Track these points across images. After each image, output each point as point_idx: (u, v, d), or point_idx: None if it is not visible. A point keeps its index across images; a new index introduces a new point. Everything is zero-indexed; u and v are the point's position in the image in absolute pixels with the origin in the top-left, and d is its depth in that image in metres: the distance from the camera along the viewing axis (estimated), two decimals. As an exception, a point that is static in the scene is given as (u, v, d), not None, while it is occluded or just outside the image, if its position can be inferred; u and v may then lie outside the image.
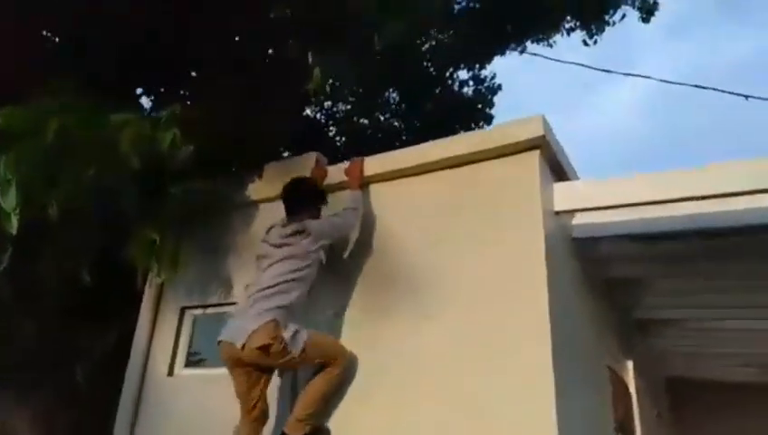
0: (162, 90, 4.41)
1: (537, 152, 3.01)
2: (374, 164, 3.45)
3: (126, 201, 3.43)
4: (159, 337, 3.96)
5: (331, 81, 3.62)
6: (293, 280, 2.92)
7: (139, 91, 4.73)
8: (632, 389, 4.87)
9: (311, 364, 2.96)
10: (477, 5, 7.56)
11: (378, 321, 3.11)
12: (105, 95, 3.59)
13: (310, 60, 3.74)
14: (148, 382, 3.88)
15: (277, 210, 3.76)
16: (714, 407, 7.26)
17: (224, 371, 3.04)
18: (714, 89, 7.56)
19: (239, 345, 2.78)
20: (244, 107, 3.87)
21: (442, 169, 3.24)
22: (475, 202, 3.09)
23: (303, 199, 3.26)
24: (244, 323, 2.82)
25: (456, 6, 7.93)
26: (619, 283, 4.43)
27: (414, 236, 3.20)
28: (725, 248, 3.54)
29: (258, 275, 3.03)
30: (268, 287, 2.89)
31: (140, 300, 4.10)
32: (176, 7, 3.81)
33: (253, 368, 2.89)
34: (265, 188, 3.88)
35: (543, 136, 2.97)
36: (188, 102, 3.59)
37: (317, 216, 3.24)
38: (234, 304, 3.67)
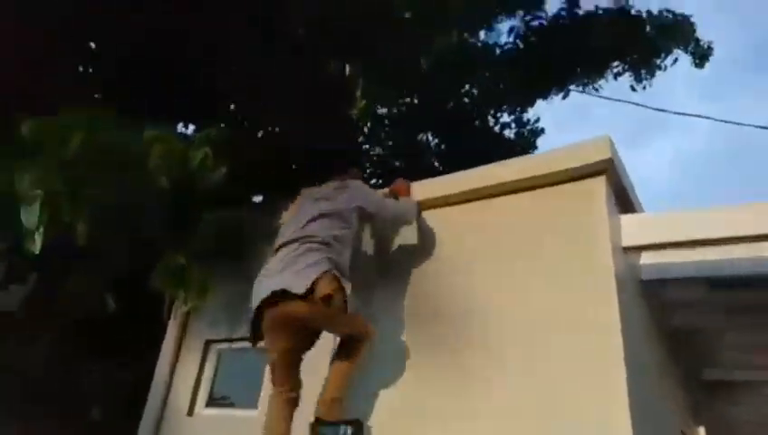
0: (200, 117, 4.28)
1: (603, 178, 2.69)
2: (422, 189, 3.17)
3: (153, 222, 3.25)
4: (182, 372, 3.68)
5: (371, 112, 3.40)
6: (338, 238, 2.65)
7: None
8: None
9: (340, 332, 2.67)
10: (521, 46, 7.40)
11: (430, 355, 2.76)
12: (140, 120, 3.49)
13: (358, 86, 3.55)
14: (166, 422, 3.58)
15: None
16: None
17: (249, 413, 2.70)
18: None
19: (300, 292, 2.41)
20: (284, 131, 3.69)
21: (496, 195, 2.94)
22: (536, 234, 2.76)
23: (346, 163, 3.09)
24: (301, 272, 2.47)
25: (499, 49, 7.83)
26: (689, 334, 3.96)
27: (468, 267, 2.88)
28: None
29: (294, 229, 2.72)
30: (315, 240, 2.60)
31: (164, 331, 3.86)
32: (214, 35, 3.72)
33: (300, 328, 2.56)
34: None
35: (611, 159, 2.65)
36: (224, 126, 3.39)
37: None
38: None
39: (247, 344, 3.47)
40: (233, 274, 3.69)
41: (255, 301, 2.62)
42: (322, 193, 2.90)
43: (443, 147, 7.94)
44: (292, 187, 3.70)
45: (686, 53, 7.70)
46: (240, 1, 3.55)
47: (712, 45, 7.70)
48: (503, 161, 3.03)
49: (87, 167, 2.92)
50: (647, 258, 3.08)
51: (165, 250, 3.30)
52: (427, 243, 3.07)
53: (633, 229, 2.93)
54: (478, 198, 2.99)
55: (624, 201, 2.92)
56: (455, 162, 8.17)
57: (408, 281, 3.02)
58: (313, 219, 2.71)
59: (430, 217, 3.13)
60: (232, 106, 4.45)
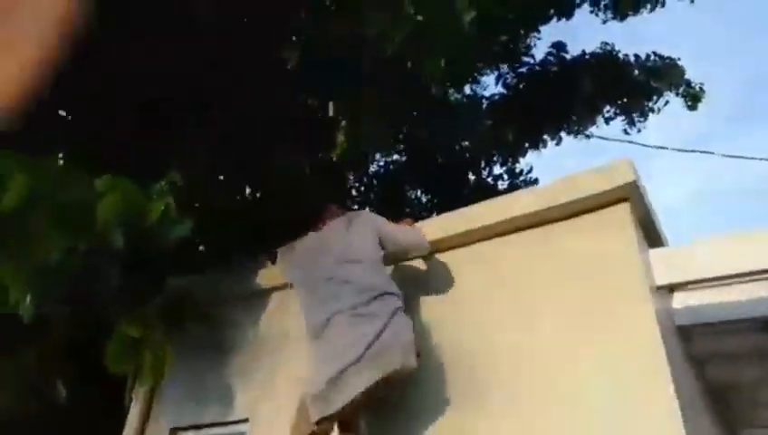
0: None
1: (627, 205, 2.28)
2: (431, 228, 2.74)
3: (105, 288, 2.77)
4: (143, 468, 3.10)
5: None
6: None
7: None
8: None
9: None
10: (510, 93, 7.21)
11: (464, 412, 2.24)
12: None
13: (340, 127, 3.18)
14: None
15: (291, 298, 3.09)
16: None
17: None
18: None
19: None
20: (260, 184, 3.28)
21: (506, 232, 2.52)
22: (558, 272, 2.32)
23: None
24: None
25: (486, 101, 7.64)
26: (725, 388, 3.44)
27: (489, 310, 2.41)
28: None
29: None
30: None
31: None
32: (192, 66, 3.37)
33: None
34: (279, 274, 3.20)
35: (635, 183, 2.25)
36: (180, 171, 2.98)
37: None
38: (239, 422, 2.87)
39: (219, 431, 2.97)
40: (202, 345, 3.21)
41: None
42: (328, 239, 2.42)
43: (435, 201, 7.58)
44: (265, 243, 3.28)
45: (677, 95, 7.55)
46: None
47: (703, 87, 7.57)
48: (518, 192, 2.64)
49: (29, 224, 2.49)
50: (679, 299, 2.65)
51: (118, 319, 2.81)
52: (438, 285, 2.61)
53: (662, 265, 2.51)
54: (492, 236, 2.57)
55: (650, 232, 2.50)
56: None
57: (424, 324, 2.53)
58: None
59: (439, 256, 2.69)
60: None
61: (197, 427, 3.02)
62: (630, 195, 2.30)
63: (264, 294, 3.20)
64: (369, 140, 2.78)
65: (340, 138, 2.90)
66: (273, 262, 3.31)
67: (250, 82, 2.93)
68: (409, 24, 2.36)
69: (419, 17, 2.48)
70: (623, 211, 2.29)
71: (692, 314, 2.66)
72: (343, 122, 2.72)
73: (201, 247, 3.04)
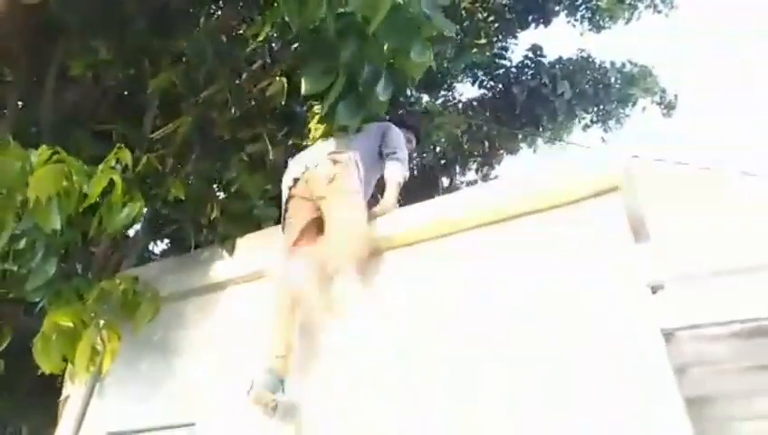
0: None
1: (617, 195, 2.12)
2: (389, 224, 2.54)
3: (37, 274, 2.48)
4: (75, 478, 2.79)
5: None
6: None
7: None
8: None
9: None
10: (489, 95, 7.09)
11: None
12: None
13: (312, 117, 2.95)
14: None
15: (251, 293, 2.84)
16: None
17: None
18: None
19: None
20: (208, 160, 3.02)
21: (476, 226, 2.34)
22: (548, 263, 2.14)
23: None
24: None
25: (462, 105, 7.51)
26: (705, 399, 3.30)
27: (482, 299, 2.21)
28: None
29: None
30: None
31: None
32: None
33: None
34: (236, 265, 2.95)
35: (626, 173, 2.10)
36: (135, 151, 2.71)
37: None
38: (183, 426, 2.60)
39: (162, 433, 2.69)
40: (146, 342, 2.93)
41: None
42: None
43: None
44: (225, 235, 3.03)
45: (653, 102, 7.55)
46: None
47: (677, 96, 7.59)
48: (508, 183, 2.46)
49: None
50: (661, 300, 2.50)
51: (49, 308, 2.52)
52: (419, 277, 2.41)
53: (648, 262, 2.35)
54: (453, 232, 2.39)
55: (637, 226, 2.34)
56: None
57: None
58: None
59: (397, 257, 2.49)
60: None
61: (137, 432, 2.73)
62: (621, 185, 2.14)
63: (218, 288, 2.93)
64: (344, 122, 2.55)
65: (313, 129, 2.69)
66: (231, 253, 3.08)
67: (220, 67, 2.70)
68: (385, 3, 2.18)
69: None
70: (614, 201, 2.13)
71: (674, 316, 2.51)
72: (317, 116, 2.52)
73: (153, 236, 2.74)
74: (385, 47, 2.48)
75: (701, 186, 2.73)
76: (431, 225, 2.45)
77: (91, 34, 2.80)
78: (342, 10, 2.45)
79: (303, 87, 2.45)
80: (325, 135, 2.81)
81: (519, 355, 2.00)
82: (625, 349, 1.93)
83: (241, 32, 3.02)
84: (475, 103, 7.44)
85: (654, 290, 2.49)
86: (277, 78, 2.70)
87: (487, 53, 6.78)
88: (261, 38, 2.54)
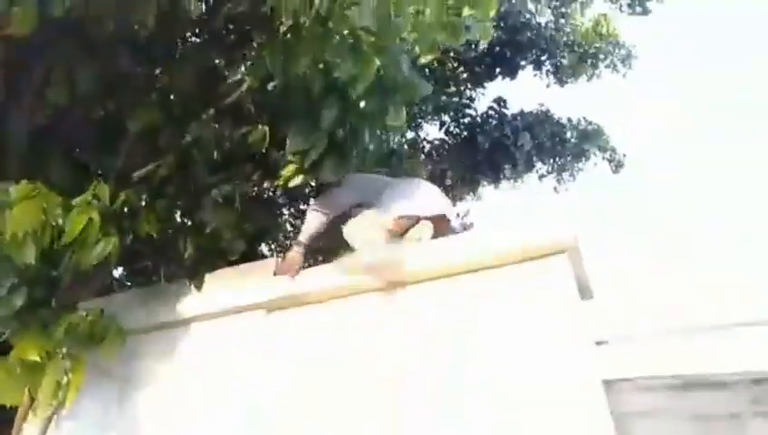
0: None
1: (566, 257, 2.34)
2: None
3: (5, 305, 2.51)
4: None
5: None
6: None
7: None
8: None
9: None
10: (450, 141, 7.38)
11: None
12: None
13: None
14: None
15: (218, 330, 2.92)
16: None
17: None
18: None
19: None
20: (183, 200, 3.11)
21: (438, 278, 2.51)
22: (481, 321, 2.32)
23: None
24: None
25: (428, 145, 7.77)
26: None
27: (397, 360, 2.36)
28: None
29: None
30: None
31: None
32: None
33: None
34: (205, 302, 3.02)
35: (575, 237, 2.33)
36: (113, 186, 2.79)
37: None
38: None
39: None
40: (102, 377, 2.95)
41: None
42: None
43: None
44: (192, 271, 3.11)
45: (603, 159, 7.99)
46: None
47: (626, 155, 8.07)
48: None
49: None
50: (603, 353, 2.71)
51: (16, 342, 2.54)
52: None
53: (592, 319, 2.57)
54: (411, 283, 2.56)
55: (582, 285, 2.57)
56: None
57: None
58: None
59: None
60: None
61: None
62: (569, 247, 2.35)
63: (183, 324, 3.00)
64: (324, 176, 2.73)
65: (287, 171, 2.82)
66: (199, 289, 3.15)
67: (194, 109, 2.83)
68: (372, 70, 2.39)
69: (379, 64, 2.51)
70: (563, 262, 2.34)
71: (615, 368, 2.72)
72: (292, 165, 2.66)
73: (120, 268, 2.80)
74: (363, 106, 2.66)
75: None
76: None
77: (73, 64, 2.87)
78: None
79: (288, 145, 2.61)
80: (298, 183, 2.94)
81: (466, 401, 2.16)
82: (568, 398, 2.11)
83: (225, 74, 3.14)
84: (438, 144, 7.73)
85: (598, 344, 2.72)
86: (259, 126, 2.84)
87: (455, 100, 7.10)
88: (245, 88, 2.69)
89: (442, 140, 7.43)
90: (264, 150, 2.90)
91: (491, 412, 2.14)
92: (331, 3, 2.47)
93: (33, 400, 2.69)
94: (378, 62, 2.44)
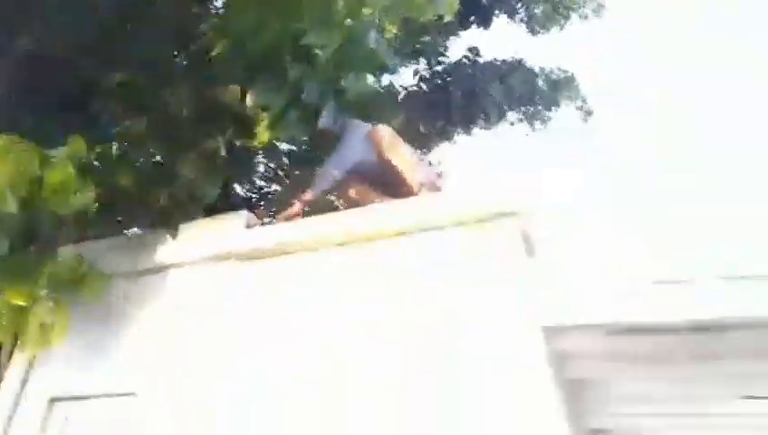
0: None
1: (515, 220, 2.57)
2: (313, 227, 2.90)
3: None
4: (18, 436, 3.01)
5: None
6: None
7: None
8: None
9: None
10: (424, 89, 7.46)
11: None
12: None
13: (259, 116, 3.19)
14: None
15: (193, 277, 3.11)
16: None
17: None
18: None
19: None
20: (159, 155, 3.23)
21: (398, 234, 2.73)
22: (439, 276, 2.58)
23: None
24: None
25: (404, 91, 7.83)
26: (585, 383, 3.92)
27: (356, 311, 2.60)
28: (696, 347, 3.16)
29: None
30: None
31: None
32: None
33: None
34: (180, 251, 3.21)
35: (523, 202, 2.55)
36: (91, 141, 2.89)
37: None
38: (124, 395, 2.87)
39: (103, 403, 2.95)
40: (92, 316, 3.15)
41: None
42: None
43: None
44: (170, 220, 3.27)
45: (575, 108, 8.18)
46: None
47: (594, 104, 8.27)
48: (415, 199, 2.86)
49: None
50: (546, 301, 3.00)
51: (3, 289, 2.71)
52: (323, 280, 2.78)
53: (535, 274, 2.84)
54: (377, 238, 2.77)
55: (529, 243, 2.82)
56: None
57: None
58: None
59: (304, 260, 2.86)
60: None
61: (79, 398, 2.98)
62: (518, 210, 2.58)
63: (161, 271, 3.19)
64: (289, 131, 2.87)
65: (261, 133, 2.95)
66: (174, 237, 3.32)
67: (169, 68, 2.90)
68: (342, 35, 2.49)
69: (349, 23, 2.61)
70: (511, 223, 2.57)
71: (558, 315, 3.02)
72: (264, 114, 2.78)
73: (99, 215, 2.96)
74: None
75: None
76: (335, 235, 2.82)
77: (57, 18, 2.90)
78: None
79: (251, 99, 2.73)
80: (271, 139, 3.09)
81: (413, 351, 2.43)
82: (509, 342, 2.38)
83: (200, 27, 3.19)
84: (413, 89, 7.79)
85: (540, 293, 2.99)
86: (231, 86, 2.94)
87: (428, 47, 7.13)
88: (216, 52, 2.77)
89: (417, 88, 7.50)
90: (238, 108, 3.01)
91: (436, 364, 2.40)
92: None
93: (16, 341, 2.90)
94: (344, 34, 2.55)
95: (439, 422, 2.25)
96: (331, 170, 3.22)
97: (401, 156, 3.30)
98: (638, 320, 2.96)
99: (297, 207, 3.22)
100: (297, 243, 2.90)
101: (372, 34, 2.77)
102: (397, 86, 8.03)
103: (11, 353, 3.18)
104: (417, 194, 3.17)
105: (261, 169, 6.69)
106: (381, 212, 2.82)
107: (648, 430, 4.73)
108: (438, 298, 2.52)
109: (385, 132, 3.33)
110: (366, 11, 2.70)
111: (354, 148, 3.25)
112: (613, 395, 4.07)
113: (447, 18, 3.48)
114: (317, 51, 2.69)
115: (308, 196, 3.26)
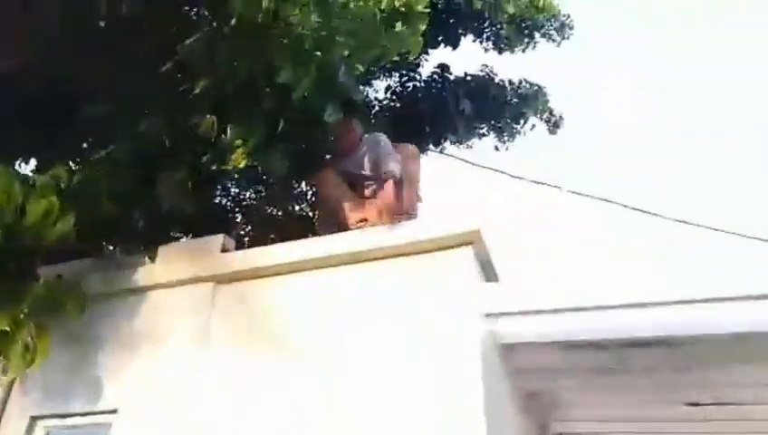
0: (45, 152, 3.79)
1: (470, 248, 2.79)
2: (283, 252, 3.09)
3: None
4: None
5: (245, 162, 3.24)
6: None
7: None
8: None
9: None
10: (397, 105, 7.66)
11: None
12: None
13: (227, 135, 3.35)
14: None
15: (168, 299, 3.27)
16: None
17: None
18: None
19: None
20: (138, 182, 3.38)
21: (365, 260, 2.93)
22: (401, 299, 2.77)
23: None
24: None
25: (378, 105, 8.02)
26: (539, 395, 4.19)
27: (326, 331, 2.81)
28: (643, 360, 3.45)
29: None
30: None
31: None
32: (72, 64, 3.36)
33: None
34: (159, 272, 3.35)
35: (478, 232, 2.77)
36: (68, 168, 3.04)
37: None
38: (106, 412, 3.01)
39: (84, 420, 3.09)
40: (72, 337, 3.27)
41: None
42: None
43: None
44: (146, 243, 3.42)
45: (541, 120, 8.45)
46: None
47: (563, 116, 8.55)
48: (376, 228, 3.06)
49: None
50: (505, 324, 3.24)
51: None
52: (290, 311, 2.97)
53: (495, 297, 3.07)
54: (349, 263, 2.97)
55: (488, 271, 3.04)
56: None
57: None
58: None
59: (294, 282, 3.05)
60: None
61: (62, 416, 3.11)
62: (474, 240, 2.80)
63: (140, 292, 3.33)
64: (269, 166, 3.10)
65: (236, 157, 3.13)
66: (153, 260, 3.46)
67: (146, 99, 3.05)
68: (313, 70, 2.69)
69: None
70: (466, 253, 2.79)
71: (515, 335, 3.27)
72: (240, 144, 2.96)
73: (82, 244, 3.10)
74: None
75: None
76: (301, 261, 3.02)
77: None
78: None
79: (230, 134, 2.91)
80: (243, 166, 3.27)
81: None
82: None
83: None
84: (385, 103, 7.99)
85: (499, 316, 3.23)
86: (207, 116, 3.10)
87: (401, 64, 7.33)
88: (198, 90, 2.92)
89: (390, 102, 7.70)
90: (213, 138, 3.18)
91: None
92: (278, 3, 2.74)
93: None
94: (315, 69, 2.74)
95: None
96: (395, 165, 3.49)
97: (416, 175, 3.66)
98: (591, 337, 3.24)
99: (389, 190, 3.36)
100: (268, 267, 3.07)
101: (342, 70, 2.97)
102: (372, 98, 8.25)
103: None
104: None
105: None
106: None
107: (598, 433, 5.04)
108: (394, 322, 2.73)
109: (413, 149, 3.77)
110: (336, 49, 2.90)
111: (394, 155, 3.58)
112: (566, 404, 4.38)
113: (413, 56, 3.68)
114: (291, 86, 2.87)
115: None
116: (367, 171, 3.64)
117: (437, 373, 2.54)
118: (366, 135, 3.88)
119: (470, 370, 2.50)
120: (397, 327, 2.71)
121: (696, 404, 4.06)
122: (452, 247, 2.80)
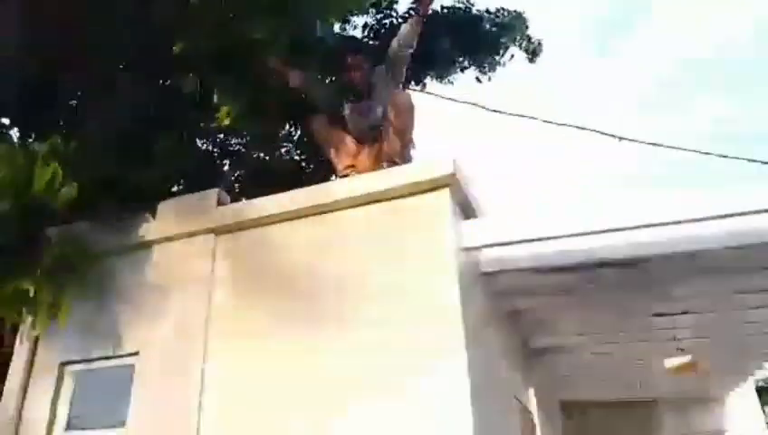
0: (35, 120, 3.93)
1: (447, 190, 3.05)
2: (273, 204, 3.33)
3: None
4: (34, 398, 3.46)
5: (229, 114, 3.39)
6: None
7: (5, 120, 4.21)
8: (535, 416, 5.01)
9: None
10: (376, 43, 7.65)
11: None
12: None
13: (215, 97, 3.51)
14: (20, 453, 3.38)
15: (173, 250, 3.52)
16: (593, 423, 7.90)
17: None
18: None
19: None
20: (129, 142, 3.56)
21: (350, 207, 3.18)
22: (386, 240, 3.05)
23: None
24: None
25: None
26: (520, 314, 4.58)
27: (320, 272, 3.10)
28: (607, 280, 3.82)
29: None
30: None
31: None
32: (58, 28, 3.45)
33: None
34: (159, 227, 3.60)
35: (453, 174, 3.01)
36: (66, 135, 3.21)
37: None
38: (128, 355, 3.33)
39: (106, 364, 3.42)
40: (90, 291, 3.54)
41: None
42: None
43: (304, 139, 7.99)
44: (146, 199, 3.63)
45: (520, 49, 8.45)
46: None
47: (541, 42, 8.52)
48: (360, 175, 3.30)
49: None
50: (485, 254, 3.54)
51: (7, 275, 3.08)
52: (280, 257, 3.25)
53: (473, 231, 3.35)
54: (334, 210, 3.23)
55: (467, 209, 3.31)
56: (312, 151, 8.27)
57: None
58: None
59: (284, 229, 3.31)
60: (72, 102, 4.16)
61: (87, 360, 3.45)
62: (450, 183, 3.05)
63: (146, 246, 3.59)
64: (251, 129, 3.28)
65: (221, 116, 3.31)
66: (154, 216, 3.69)
67: (138, 66, 3.17)
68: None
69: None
70: (443, 194, 3.05)
71: (495, 263, 3.59)
72: (227, 110, 3.12)
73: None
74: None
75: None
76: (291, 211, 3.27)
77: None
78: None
79: (217, 100, 3.08)
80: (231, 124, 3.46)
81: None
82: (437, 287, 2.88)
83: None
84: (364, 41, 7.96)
85: (480, 248, 3.52)
86: (191, 75, 3.25)
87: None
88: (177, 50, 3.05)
89: (368, 39, 7.67)
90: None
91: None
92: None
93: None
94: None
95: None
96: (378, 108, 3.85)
97: (409, 124, 3.91)
98: (563, 260, 3.57)
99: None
100: (261, 218, 3.33)
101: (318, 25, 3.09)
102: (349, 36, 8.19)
103: (16, 329, 3.58)
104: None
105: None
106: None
107: (576, 345, 5.54)
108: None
109: (407, 100, 3.95)
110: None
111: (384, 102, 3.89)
112: (545, 321, 4.80)
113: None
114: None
115: None
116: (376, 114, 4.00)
117: (423, 301, 2.85)
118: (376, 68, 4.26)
119: (449, 295, 2.80)
120: (386, 265, 2.99)
121: (662, 314, 4.49)
122: (431, 190, 3.05)
